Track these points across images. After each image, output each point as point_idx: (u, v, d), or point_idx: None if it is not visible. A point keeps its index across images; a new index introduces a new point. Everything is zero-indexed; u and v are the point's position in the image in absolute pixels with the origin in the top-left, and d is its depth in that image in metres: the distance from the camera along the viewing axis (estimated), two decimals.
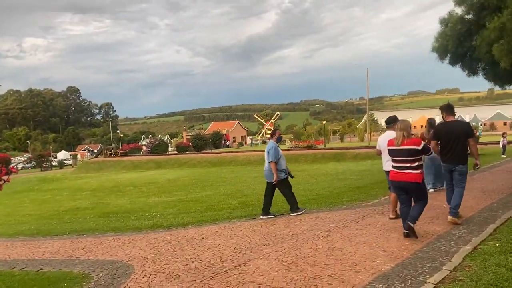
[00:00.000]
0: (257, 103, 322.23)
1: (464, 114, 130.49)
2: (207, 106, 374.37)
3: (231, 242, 6.78)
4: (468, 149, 7.01)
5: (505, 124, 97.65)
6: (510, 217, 7.40)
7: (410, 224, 6.17)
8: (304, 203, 10.39)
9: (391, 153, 6.39)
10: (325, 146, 47.76)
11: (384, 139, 7.42)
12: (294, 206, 8.81)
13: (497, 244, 5.79)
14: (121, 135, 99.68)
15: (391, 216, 7.66)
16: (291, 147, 48.23)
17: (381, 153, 7.72)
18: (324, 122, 64.24)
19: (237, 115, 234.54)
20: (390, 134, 7.24)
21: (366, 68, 58.27)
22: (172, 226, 8.86)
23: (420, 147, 6.08)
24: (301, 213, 8.71)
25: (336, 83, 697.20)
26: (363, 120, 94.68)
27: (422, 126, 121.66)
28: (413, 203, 6.36)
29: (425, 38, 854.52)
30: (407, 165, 6.13)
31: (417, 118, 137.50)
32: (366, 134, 68.90)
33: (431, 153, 6.66)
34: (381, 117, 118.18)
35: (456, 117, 7.47)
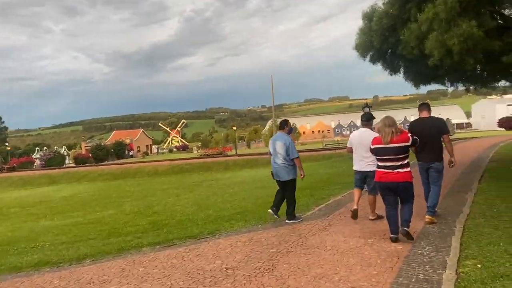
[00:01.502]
0: (161, 111, 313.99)
1: (356, 119, 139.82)
2: (108, 115, 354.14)
3: (144, 287, 4.83)
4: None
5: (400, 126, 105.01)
6: (465, 225, 6.45)
7: (406, 229, 5.66)
8: (229, 220, 8.68)
9: (378, 151, 5.79)
10: (236, 153, 46.30)
11: (357, 136, 7.08)
12: (293, 213, 7.68)
13: (478, 265, 4.66)
14: (9, 148, 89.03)
15: (371, 217, 7.19)
16: (200, 155, 46.10)
17: (352, 151, 7.23)
18: (235, 128, 62.98)
19: (141, 124, 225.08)
20: (364, 132, 7.02)
21: (267, 77, 58.31)
22: (63, 262, 6.59)
23: (409, 142, 5.69)
24: (299, 221, 7.57)
25: (239, 91, 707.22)
26: (267, 126, 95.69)
27: (320, 131, 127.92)
28: (400, 206, 5.83)
29: (318, 49, 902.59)
30: (398, 163, 5.65)
31: (314, 124, 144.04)
32: None
33: (418, 143, 6.09)
34: None
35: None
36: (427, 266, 4.73)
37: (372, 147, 5.91)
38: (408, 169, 5.69)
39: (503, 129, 18.14)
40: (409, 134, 5.84)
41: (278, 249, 5.83)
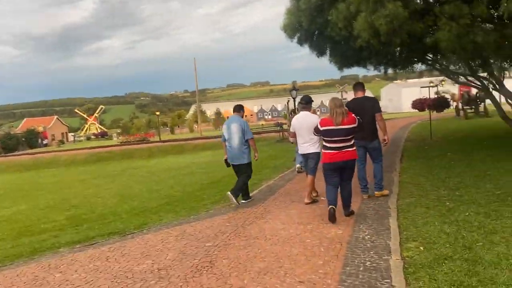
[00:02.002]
0: (78, 97, 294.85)
1: (277, 104, 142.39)
2: (18, 101, 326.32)
3: None
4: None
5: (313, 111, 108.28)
6: (398, 206, 6.44)
7: (348, 212, 6.00)
8: (157, 212, 8.01)
9: (329, 133, 5.74)
10: (160, 139, 44.60)
11: (300, 121, 6.93)
12: (247, 193, 7.78)
13: (421, 248, 4.54)
14: None
15: (306, 201, 7.03)
16: (121, 142, 43.83)
17: (295, 135, 7.09)
18: (158, 113, 60.39)
19: (55, 111, 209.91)
20: (305, 115, 6.97)
21: (189, 61, 56.75)
22: None
23: (356, 124, 5.77)
24: (250, 200, 7.68)
25: (160, 75, 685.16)
26: (191, 111, 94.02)
27: (243, 115, 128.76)
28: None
29: (239, 34, 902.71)
30: (347, 144, 5.74)
31: None
32: (195, 125, 67.97)
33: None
34: (207, 109, 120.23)
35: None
36: (371, 252, 4.52)
37: (322, 128, 5.80)
38: (354, 147, 5.84)
39: (416, 110, 19.33)
40: (353, 115, 5.86)
41: (215, 242, 5.35)
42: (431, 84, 24.02)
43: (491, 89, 10.95)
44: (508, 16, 6.75)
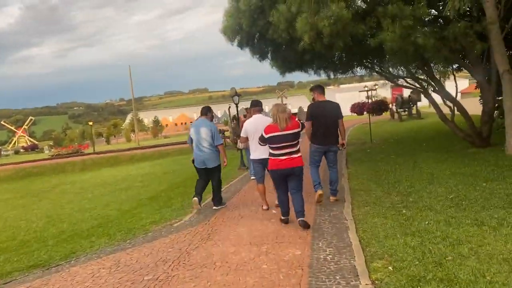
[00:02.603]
0: (4, 108, 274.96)
1: (216, 110, 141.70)
2: None
3: None
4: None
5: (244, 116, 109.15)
6: (354, 216, 5.99)
7: (303, 219, 5.62)
8: (89, 236, 7.00)
9: (275, 139, 5.57)
10: (94, 150, 41.98)
11: (252, 124, 6.65)
12: (220, 198, 7.69)
13: (390, 268, 4.04)
14: None
15: (264, 207, 6.92)
16: (52, 156, 40.79)
17: (247, 140, 6.79)
18: (91, 123, 57.01)
19: None
20: (259, 118, 6.69)
21: (125, 69, 54.42)
22: None
23: (300, 128, 5.67)
24: (224, 207, 7.56)
25: (95, 84, 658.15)
26: (128, 120, 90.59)
27: (182, 123, 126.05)
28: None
29: (176, 41, 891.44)
30: (294, 149, 5.59)
31: (176, 116, 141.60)
32: (132, 134, 65.34)
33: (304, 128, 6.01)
34: (145, 117, 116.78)
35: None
36: (337, 277, 3.94)
37: (267, 136, 5.63)
38: (300, 153, 5.67)
39: (355, 114, 19.55)
40: (297, 119, 5.82)
41: (155, 274, 4.52)
42: (366, 89, 24.51)
43: (430, 91, 10.96)
44: (454, 15, 6.56)
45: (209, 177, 7.56)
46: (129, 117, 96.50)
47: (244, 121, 10.60)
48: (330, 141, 6.72)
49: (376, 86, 24.12)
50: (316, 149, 6.86)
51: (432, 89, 10.75)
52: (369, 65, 11.66)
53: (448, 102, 10.95)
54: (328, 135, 6.67)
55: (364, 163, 11.03)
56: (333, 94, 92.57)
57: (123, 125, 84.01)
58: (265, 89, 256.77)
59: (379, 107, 17.88)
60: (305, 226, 5.55)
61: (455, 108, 10.90)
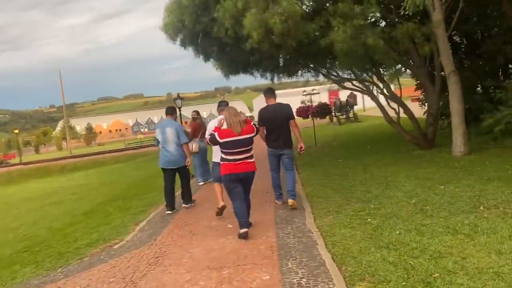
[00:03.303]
0: None
1: (153, 116, 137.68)
2: None
3: None
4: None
5: (186, 122, 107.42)
6: (320, 229, 5.40)
7: (250, 224, 5.49)
8: (11, 264, 5.83)
9: (229, 144, 5.29)
10: (20, 160, 38.34)
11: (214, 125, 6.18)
12: (190, 196, 7.71)
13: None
14: None
15: (220, 204, 6.48)
16: None
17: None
18: (17, 131, 52.06)
19: None
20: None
21: (55, 74, 50.83)
22: None
23: (254, 133, 5.44)
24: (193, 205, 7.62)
25: (22, 90, 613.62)
26: (59, 128, 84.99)
27: (117, 130, 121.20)
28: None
29: (109, 46, 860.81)
30: (248, 154, 5.38)
31: (111, 122, 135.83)
32: (64, 143, 61.23)
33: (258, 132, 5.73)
34: (77, 124, 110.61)
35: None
36: None
37: (222, 140, 5.30)
38: (253, 159, 5.47)
39: (301, 117, 19.32)
40: (252, 123, 5.58)
41: None
42: (304, 93, 24.48)
43: (376, 94, 10.77)
44: (412, 11, 6.23)
45: (176, 176, 7.51)
46: (60, 125, 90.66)
47: (194, 125, 9.89)
48: (282, 145, 6.51)
49: (314, 91, 24.14)
50: (271, 153, 6.70)
51: (380, 91, 10.55)
52: (318, 67, 11.26)
53: (392, 104, 10.82)
54: (280, 138, 6.47)
55: (313, 167, 10.60)
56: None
57: (53, 133, 78.66)
58: (202, 94, 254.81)
59: (323, 110, 17.75)
60: (248, 227, 5.36)
61: (400, 110, 10.81)
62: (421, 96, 14.62)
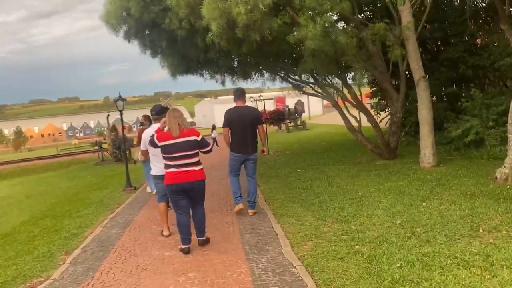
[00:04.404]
0: None
1: (89, 120, 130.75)
2: None
3: None
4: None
5: (124, 128, 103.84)
6: (298, 253, 4.35)
7: (203, 238, 5.07)
8: None
9: (168, 148, 4.79)
10: None
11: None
12: None
13: None
14: None
15: (165, 233, 5.70)
16: None
17: (148, 153, 5.84)
18: None
19: None
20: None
21: None
22: None
23: (199, 138, 4.90)
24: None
25: None
26: None
27: (50, 134, 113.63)
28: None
29: (42, 46, 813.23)
30: (192, 160, 4.83)
31: (43, 126, 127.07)
32: None
33: (211, 150, 5.16)
34: (5, 127, 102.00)
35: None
36: None
37: (161, 144, 4.84)
38: (202, 166, 4.99)
39: None
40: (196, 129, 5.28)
41: None
42: (252, 99, 23.57)
43: (337, 99, 10.01)
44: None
45: None
46: None
47: (142, 130, 8.40)
48: (248, 149, 6.21)
49: (261, 97, 23.34)
50: (234, 158, 6.31)
51: (342, 97, 9.78)
52: (277, 69, 10.28)
53: (353, 113, 10.12)
54: (246, 142, 6.16)
55: (272, 178, 9.58)
56: (211, 106, 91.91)
57: None
58: (141, 99, 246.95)
59: (277, 117, 16.85)
60: (204, 243, 5.05)
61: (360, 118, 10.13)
62: (373, 103, 14.23)
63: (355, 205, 6.36)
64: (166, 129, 4.94)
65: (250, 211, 6.29)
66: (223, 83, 12.35)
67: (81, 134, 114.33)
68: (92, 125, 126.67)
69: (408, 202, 6.17)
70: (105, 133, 59.64)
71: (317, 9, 7.01)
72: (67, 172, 18.37)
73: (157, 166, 5.51)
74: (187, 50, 8.44)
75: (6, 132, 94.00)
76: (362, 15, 9.74)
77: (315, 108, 43.90)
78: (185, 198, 4.89)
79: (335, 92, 10.12)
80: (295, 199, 7.24)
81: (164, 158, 4.88)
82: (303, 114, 25.84)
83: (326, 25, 7.12)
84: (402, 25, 7.90)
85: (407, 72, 9.13)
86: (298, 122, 24.93)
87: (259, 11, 6.30)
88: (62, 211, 8.58)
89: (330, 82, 10.26)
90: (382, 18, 8.23)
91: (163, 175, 5.09)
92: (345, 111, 9.97)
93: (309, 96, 13.47)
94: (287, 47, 8.42)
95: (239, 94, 6.28)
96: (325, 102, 54.97)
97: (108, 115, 19.33)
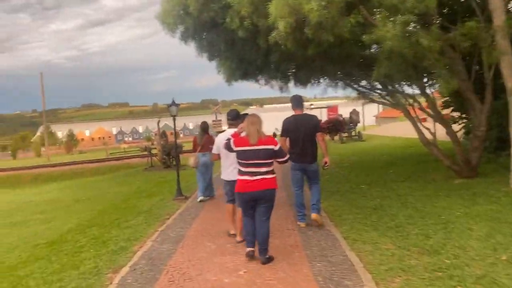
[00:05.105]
0: None
1: (138, 125, 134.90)
2: None
3: None
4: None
5: (171, 133, 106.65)
6: None
7: (267, 257, 4.74)
8: None
9: (243, 154, 4.77)
10: None
11: (223, 140, 5.39)
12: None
13: None
14: None
15: (232, 232, 5.88)
16: None
17: (219, 158, 5.83)
18: None
19: None
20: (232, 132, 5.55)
21: (38, 76, 48.25)
22: None
23: (277, 147, 4.80)
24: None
25: (4, 93, 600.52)
26: (38, 133, 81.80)
27: (100, 138, 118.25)
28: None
29: (95, 53, 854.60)
30: (266, 169, 4.73)
31: (94, 130, 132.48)
32: (43, 149, 58.36)
33: (287, 160, 5.11)
34: (58, 130, 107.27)
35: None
36: None
37: (236, 149, 4.87)
38: (275, 175, 4.88)
39: None
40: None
41: None
42: (312, 107, 22.78)
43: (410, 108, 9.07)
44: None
45: None
46: (40, 130, 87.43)
47: (209, 137, 8.90)
48: (307, 159, 6.03)
49: (312, 106, 22.52)
50: (294, 167, 6.16)
51: (416, 106, 8.87)
52: (342, 74, 9.51)
53: (426, 124, 9.16)
54: (305, 152, 5.98)
55: (333, 195, 8.79)
56: (259, 113, 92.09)
57: (32, 139, 75.33)
58: (189, 106, 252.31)
59: (334, 127, 15.99)
60: (268, 261, 4.74)
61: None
62: (452, 115, 13.00)
63: (441, 232, 5.50)
64: (243, 134, 4.92)
65: (313, 215, 6.10)
66: (281, 89, 11.76)
67: (130, 139, 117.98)
68: (140, 130, 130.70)
69: (509, 232, 5.23)
70: (152, 138, 60.91)
71: (398, 6, 6.25)
72: (116, 176, 18.43)
73: (227, 171, 5.66)
74: (246, 52, 7.91)
75: (59, 134, 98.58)
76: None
77: (367, 119, 42.41)
78: (252, 208, 4.86)
79: (406, 100, 9.19)
80: (366, 220, 6.44)
81: (239, 163, 4.87)
82: (358, 124, 24.72)
83: (407, 25, 6.32)
84: (494, 25, 6.95)
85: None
86: (353, 133, 23.84)
87: (335, 7, 5.63)
88: (110, 220, 8.26)
89: (402, 90, 9.35)
90: (463, 18, 7.33)
91: (233, 181, 5.16)
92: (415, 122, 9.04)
93: (364, 106, 12.58)
94: (357, 49, 7.68)
95: (298, 101, 6.12)
96: (379, 111, 53.09)
97: (159, 120, 19.29)
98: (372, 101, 10.32)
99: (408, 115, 8.85)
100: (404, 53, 6.56)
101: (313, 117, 6.40)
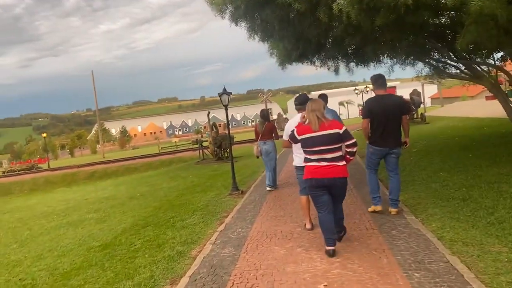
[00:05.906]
0: None
1: (187, 119, 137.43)
2: None
3: None
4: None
5: (219, 125, 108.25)
6: None
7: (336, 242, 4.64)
8: None
9: (308, 142, 4.66)
10: (48, 166, 36.88)
11: (294, 125, 5.15)
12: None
13: None
14: None
15: (308, 226, 5.63)
16: (4, 172, 35.79)
17: (291, 145, 5.33)
18: (44, 135, 49.48)
19: None
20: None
21: (90, 77, 49.70)
22: None
23: (342, 131, 4.57)
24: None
25: (60, 94, 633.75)
26: (93, 131, 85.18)
27: (152, 133, 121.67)
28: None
29: (143, 50, 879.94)
30: (333, 155, 4.56)
31: (145, 125, 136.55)
32: (98, 146, 60.55)
33: (356, 143, 4.64)
34: (112, 127, 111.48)
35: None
36: None
37: (300, 137, 4.70)
38: (344, 162, 4.65)
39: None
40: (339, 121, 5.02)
41: None
42: (356, 91, 21.57)
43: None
44: None
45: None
46: (95, 128, 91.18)
47: (270, 124, 8.81)
48: (391, 143, 5.71)
49: (368, 88, 21.22)
50: (374, 151, 5.86)
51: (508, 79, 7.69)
52: (415, 48, 8.40)
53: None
54: (388, 135, 5.66)
55: (410, 184, 7.84)
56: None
57: (88, 137, 78.56)
58: (235, 97, 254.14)
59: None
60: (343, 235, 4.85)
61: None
62: (508, 91, 11.58)
63: None
64: (306, 122, 4.71)
65: (392, 210, 5.87)
66: (336, 71, 10.85)
67: (180, 133, 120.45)
68: (190, 124, 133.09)
69: None
70: (201, 130, 61.43)
71: None
72: (169, 171, 18.28)
73: (298, 156, 5.45)
74: (304, 29, 7.08)
75: (113, 131, 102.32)
76: None
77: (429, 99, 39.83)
78: (326, 194, 4.63)
79: (490, 73, 7.99)
80: (457, 215, 5.51)
81: (304, 152, 4.75)
82: (420, 105, 23.05)
83: None
84: None
85: None
86: (415, 115, 22.21)
87: None
88: (165, 218, 7.84)
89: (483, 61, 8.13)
90: None
91: (303, 166, 4.88)
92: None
93: (424, 86, 11.32)
94: (434, 16, 6.64)
95: (381, 81, 5.74)
96: (439, 90, 49.93)
97: (209, 112, 18.92)
98: (450, 76, 9.15)
99: (498, 90, 7.67)
100: (497, 15, 5.49)
101: (399, 97, 6.10)
